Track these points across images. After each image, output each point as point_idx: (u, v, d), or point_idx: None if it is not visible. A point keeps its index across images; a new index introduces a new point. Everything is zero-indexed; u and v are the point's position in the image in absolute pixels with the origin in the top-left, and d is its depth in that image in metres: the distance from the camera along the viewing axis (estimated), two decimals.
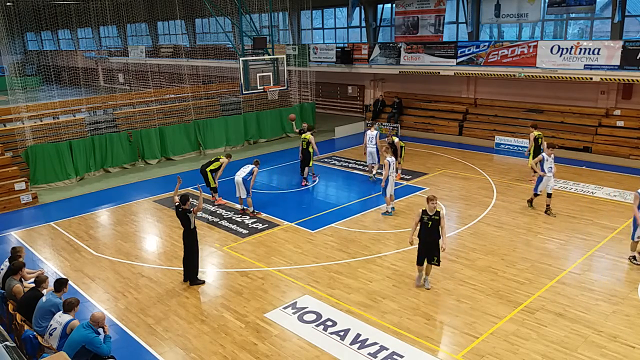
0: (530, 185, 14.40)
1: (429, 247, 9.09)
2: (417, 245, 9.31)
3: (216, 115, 21.76)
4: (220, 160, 14.07)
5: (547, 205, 12.84)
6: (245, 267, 10.46)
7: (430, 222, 8.91)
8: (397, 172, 15.93)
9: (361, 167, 17.63)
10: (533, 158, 14.46)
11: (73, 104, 21.73)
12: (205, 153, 20.17)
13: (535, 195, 13.04)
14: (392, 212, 13.11)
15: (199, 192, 10.37)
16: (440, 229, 8.98)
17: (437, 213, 8.92)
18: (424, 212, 8.93)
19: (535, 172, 14.80)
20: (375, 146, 15.82)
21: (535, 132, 15.08)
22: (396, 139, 15.61)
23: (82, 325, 6.72)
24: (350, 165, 17.93)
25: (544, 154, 12.77)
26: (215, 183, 14.06)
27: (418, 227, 9.09)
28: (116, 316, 8.79)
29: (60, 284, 7.62)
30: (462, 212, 13.21)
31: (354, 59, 24.16)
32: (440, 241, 9.09)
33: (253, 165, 13.22)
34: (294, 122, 17.93)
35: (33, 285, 7.91)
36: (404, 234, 11.83)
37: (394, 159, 13.02)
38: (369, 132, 15.97)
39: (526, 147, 19.13)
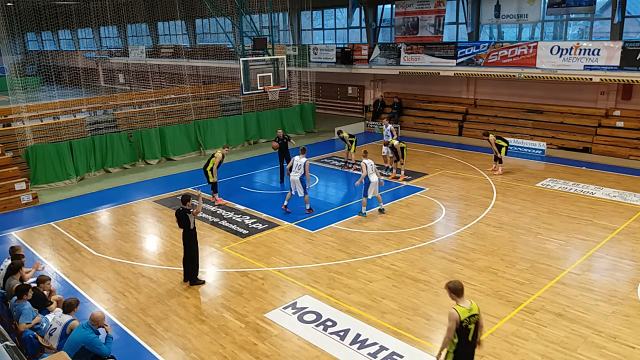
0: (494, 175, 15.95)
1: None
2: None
3: (216, 116, 21.78)
4: (215, 155, 14.05)
5: None
6: (245, 267, 10.47)
7: (473, 326, 5.85)
8: (400, 173, 16.04)
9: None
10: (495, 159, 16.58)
11: (73, 104, 21.76)
12: (206, 153, 20.17)
13: None
14: (366, 214, 13.03)
15: (197, 193, 10.39)
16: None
17: (476, 310, 5.86)
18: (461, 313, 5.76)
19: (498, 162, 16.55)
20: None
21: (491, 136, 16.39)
22: (395, 142, 15.66)
23: (81, 325, 6.73)
24: (349, 165, 17.91)
25: None
26: (214, 178, 14.01)
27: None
28: (116, 316, 8.79)
29: (21, 291, 7.38)
30: (462, 212, 13.22)
31: (354, 59, 24.19)
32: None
33: (304, 160, 12.88)
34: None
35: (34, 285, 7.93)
36: (404, 234, 11.85)
37: (371, 161, 12.93)
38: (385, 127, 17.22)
39: (527, 148, 19.22)
